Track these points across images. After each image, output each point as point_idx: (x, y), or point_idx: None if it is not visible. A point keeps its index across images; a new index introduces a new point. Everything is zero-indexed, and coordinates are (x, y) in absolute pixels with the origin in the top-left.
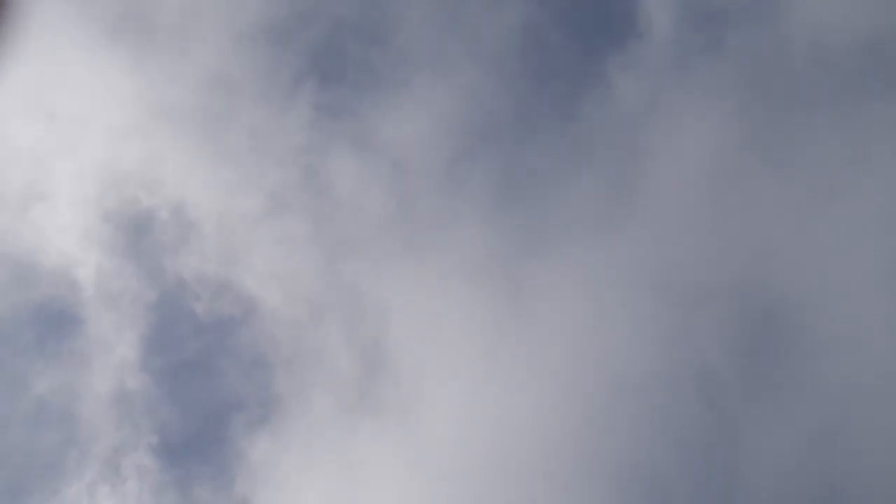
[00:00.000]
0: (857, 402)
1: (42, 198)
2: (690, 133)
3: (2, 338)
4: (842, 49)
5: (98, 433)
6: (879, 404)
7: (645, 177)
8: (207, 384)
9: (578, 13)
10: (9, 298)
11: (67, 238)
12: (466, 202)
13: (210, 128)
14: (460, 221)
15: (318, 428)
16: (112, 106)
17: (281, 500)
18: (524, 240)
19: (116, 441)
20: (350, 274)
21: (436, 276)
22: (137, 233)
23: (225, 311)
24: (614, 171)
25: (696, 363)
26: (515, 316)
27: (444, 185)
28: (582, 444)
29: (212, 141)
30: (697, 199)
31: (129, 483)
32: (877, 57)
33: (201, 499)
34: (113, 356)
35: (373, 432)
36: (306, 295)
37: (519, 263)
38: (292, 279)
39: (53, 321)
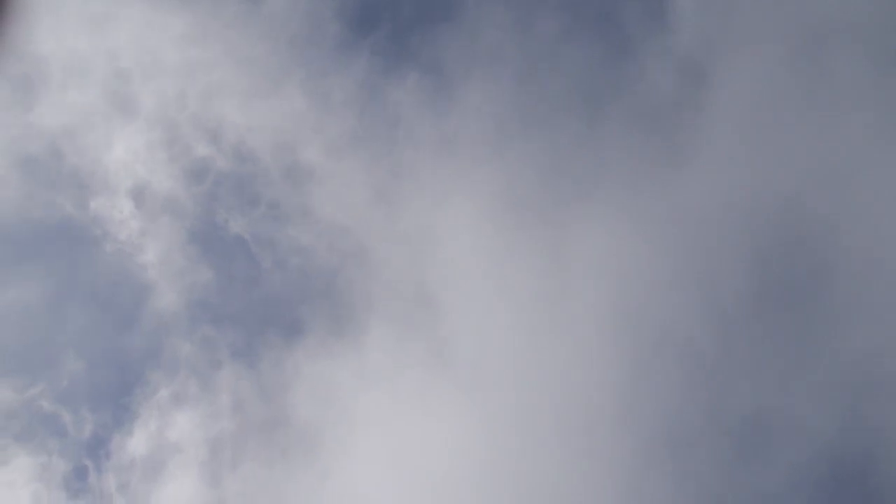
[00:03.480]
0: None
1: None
2: (743, 77)
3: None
4: None
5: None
6: None
7: (698, 120)
8: (268, 311)
9: None
10: None
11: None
12: (516, 141)
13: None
14: (508, 161)
15: (372, 356)
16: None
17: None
18: (572, 180)
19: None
20: (403, 216)
21: (484, 214)
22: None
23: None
24: (668, 113)
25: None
26: (560, 256)
27: (495, 122)
28: (620, 392)
29: (274, 87)
30: (750, 141)
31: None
32: None
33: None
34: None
35: (419, 365)
36: (364, 237)
37: (566, 202)
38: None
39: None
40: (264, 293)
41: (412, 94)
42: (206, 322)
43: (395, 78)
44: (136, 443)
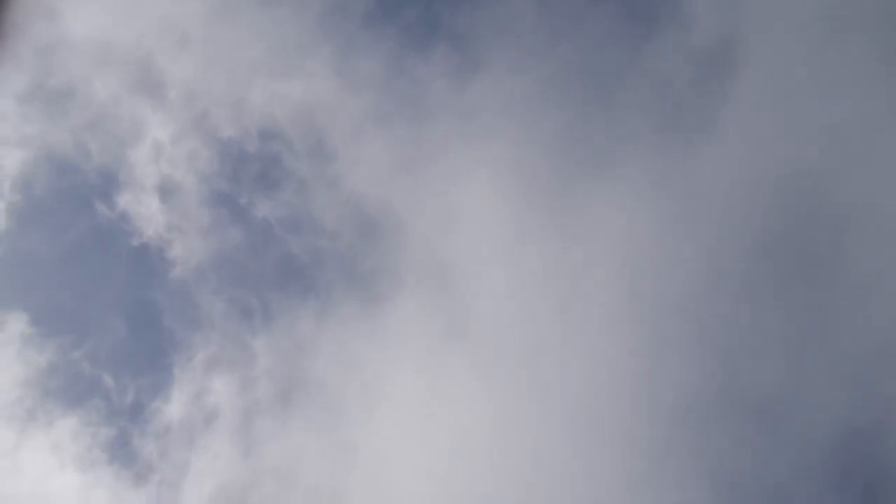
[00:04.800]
0: None
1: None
2: (764, 55)
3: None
4: None
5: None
6: None
7: (717, 98)
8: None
9: None
10: None
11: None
12: (536, 117)
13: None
14: (528, 136)
15: (393, 328)
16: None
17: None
18: (591, 156)
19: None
20: (426, 191)
21: (503, 189)
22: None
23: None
24: (687, 90)
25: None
26: (578, 231)
27: (516, 98)
28: (634, 369)
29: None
30: (768, 120)
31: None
32: None
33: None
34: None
35: (438, 338)
36: (387, 211)
37: (585, 178)
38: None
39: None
40: (290, 269)
41: (436, 70)
42: (233, 295)
43: (419, 54)
44: (173, 408)
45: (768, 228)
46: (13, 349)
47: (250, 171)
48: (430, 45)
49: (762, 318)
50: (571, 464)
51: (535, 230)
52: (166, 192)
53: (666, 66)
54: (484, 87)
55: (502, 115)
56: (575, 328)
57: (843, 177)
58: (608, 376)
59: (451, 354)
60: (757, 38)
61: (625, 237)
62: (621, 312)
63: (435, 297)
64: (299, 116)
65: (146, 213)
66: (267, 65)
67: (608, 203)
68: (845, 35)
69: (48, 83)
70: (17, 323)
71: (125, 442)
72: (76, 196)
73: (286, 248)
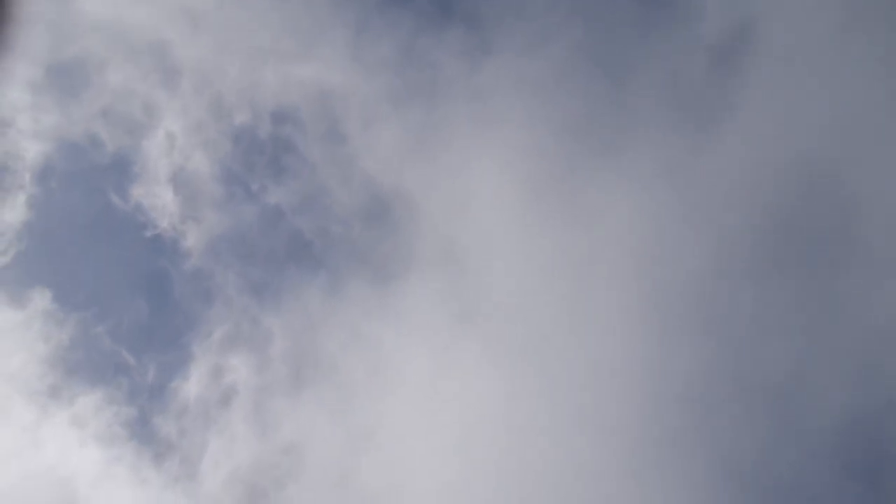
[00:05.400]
0: None
1: None
2: (779, 40)
3: None
4: None
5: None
6: None
7: (729, 82)
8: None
9: None
10: None
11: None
12: (549, 99)
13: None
14: (541, 119)
15: (404, 308)
16: None
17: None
18: (603, 138)
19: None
20: (439, 174)
21: (515, 172)
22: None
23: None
24: (699, 74)
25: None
26: (589, 214)
27: (529, 80)
28: (643, 351)
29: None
30: (781, 104)
31: None
32: None
33: None
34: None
35: (448, 319)
36: (400, 194)
37: (596, 161)
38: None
39: None
40: (303, 252)
41: (449, 53)
42: (247, 278)
43: (432, 37)
44: (191, 385)
45: (777, 216)
46: (36, 326)
47: (264, 154)
48: (443, 28)
49: (771, 305)
50: (579, 448)
51: (545, 214)
52: (180, 181)
53: (678, 54)
54: (497, 71)
55: (515, 99)
56: (584, 312)
57: (853, 165)
58: (617, 361)
59: (461, 337)
60: (769, 27)
61: (635, 223)
62: (631, 298)
63: (446, 280)
64: (313, 100)
65: (160, 203)
66: (280, 48)
67: (619, 188)
68: (857, 24)
69: (61, 71)
70: (41, 300)
71: (145, 419)
72: (94, 181)
73: (299, 232)
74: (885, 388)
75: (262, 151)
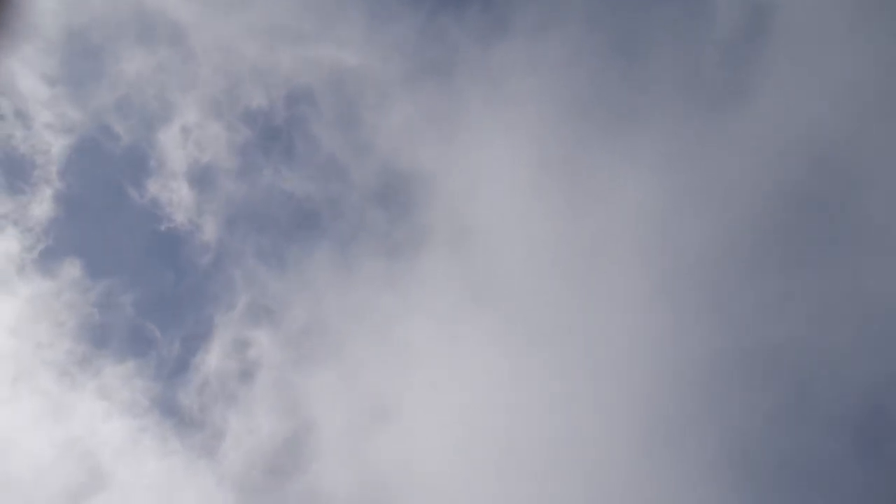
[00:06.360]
0: None
1: None
2: (798, 20)
3: None
4: None
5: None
6: None
7: (740, 62)
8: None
9: None
10: None
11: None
12: (564, 78)
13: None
14: (556, 99)
15: (417, 286)
16: None
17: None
18: (616, 117)
19: None
20: (453, 155)
21: (529, 152)
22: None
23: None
24: (711, 55)
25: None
26: (600, 194)
27: (544, 60)
28: (651, 326)
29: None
30: (794, 82)
31: None
32: None
33: None
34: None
35: (459, 297)
36: (415, 173)
37: (608, 141)
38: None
39: None
40: (318, 232)
41: (464, 34)
42: (264, 258)
43: (447, 18)
44: (213, 358)
45: (788, 199)
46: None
47: (280, 135)
48: (457, 9)
49: (781, 287)
50: (589, 427)
51: (558, 195)
52: (197, 167)
53: (692, 36)
54: (510, 52)
55: (528, 80)
56: (595, 292)
57: (871, 141)
58: (626, 342)
59: (472, 316)
60: (783, 11)
61: (647, 205)
62: (641, 280)
63: (458, 259)
64: (328, 81)
65: (176, 198)
66: (295, 30)
67: (632, 170)
68: (872, 9)
69: (78, 62)
70: (71, 268)
71: (170, 390)
72: (114, 168)
73: (314, 213)
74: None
75: (279, 132)
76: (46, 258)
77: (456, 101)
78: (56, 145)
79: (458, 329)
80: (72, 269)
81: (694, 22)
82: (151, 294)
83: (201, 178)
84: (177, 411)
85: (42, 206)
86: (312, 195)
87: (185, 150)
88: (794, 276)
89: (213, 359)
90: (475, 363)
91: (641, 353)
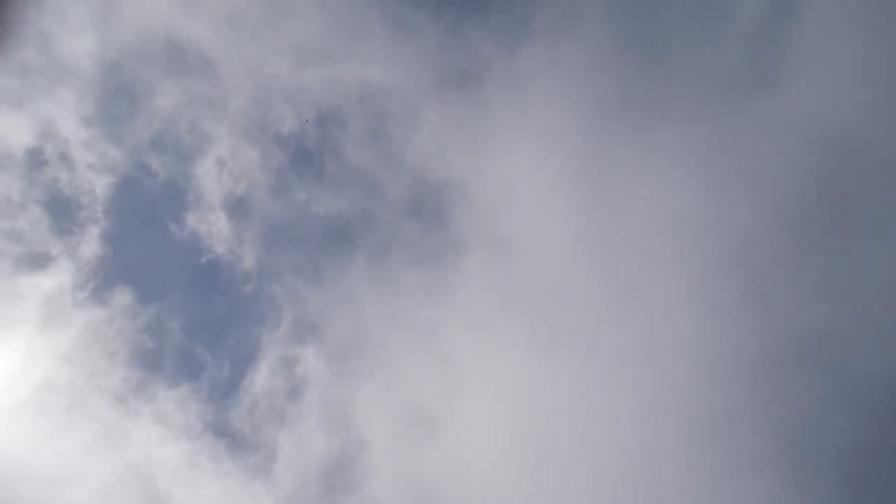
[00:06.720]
0: None
1: None
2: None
3: None
4: None
5: None
6: None
7: (776, 44)
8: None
9: None
10: None
11: None
12: (590, 80)
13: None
14: (585, 101)
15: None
16: None
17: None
18: (642, 119)
19: None
20: (485, 163)
21: (558, 156)
22: None
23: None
24: (737, 48)
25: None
26: (628, 195)
27: (568, 62)
28: (693, 324)
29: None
30: (832, 64)
31: None
32: None
33: None
34: None
35: (497, 300)
36: (448, 183)
37: (635, 142)
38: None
39: None
40: (357, 245)
41: (486, 39)
42: (303, 277)
43: (469, 27)
44: (262, 378)
45: (828, 179)
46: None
47: (312, 157)
48: (479, 17)
49: (827, 269)
50: (634, 429)
51: (589, 194)
52: (231, 207)
53: (717, 22)
54: (534, 54)
55: (553, 81)
56: (632, 290)
57: (892, 137)
58: (666, 337)
59: (513, 321)
60: (809, 2)
61: (680, 196)
62: (676, 274)
63: (495, 264)
64: (356, 99)
65: (215, 230)
66: (321, 50)
67: (663, 163)
68: None
69: (113, 101)
70: (122, 295)
71: (222, 412)
72: (155, 201)
73: (351, 229)
74: None
75: (311, 152)
76: (97, 292)
77: (482, 109)
78: (99, 185)
79: (497, 334)
80: (122, 297)
81: (716, 13)
82: (198, 319)
83: (238, 208)
84: (229, 433)
85: (90, 245)
86: (346, 212)
87: (221, 182)
88: (835, 262)
89: (262, 378)
90: (515, 368)
91: (681, 349)
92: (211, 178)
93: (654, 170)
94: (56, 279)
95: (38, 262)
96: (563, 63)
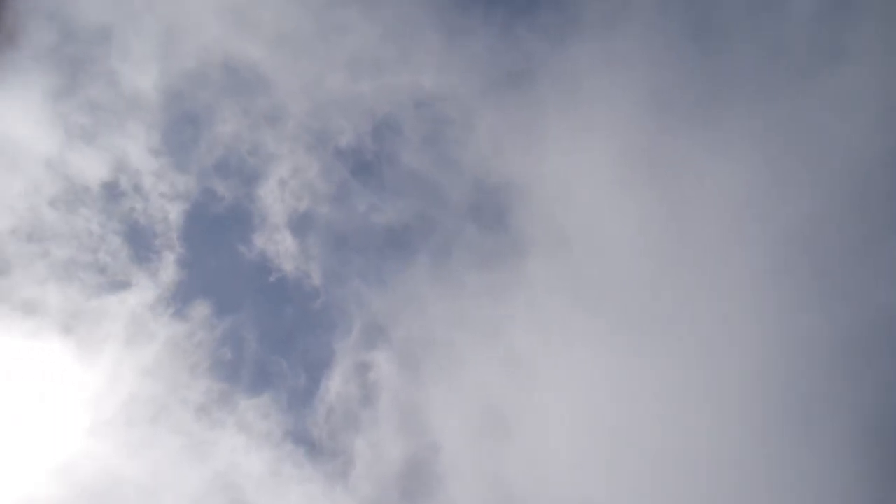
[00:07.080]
0: None
1: None
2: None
3: None
4: None
5: None
6: None
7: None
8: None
9: None
10: None
11: None
12: (642, 77)
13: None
14: (638, 97)
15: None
16: None
17: None
18: (698, 112)
19: None
20: (542, 163)
21: (616, 153)
22: None
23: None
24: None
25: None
26: (686, 191)
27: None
28: (766, 318)
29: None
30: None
31: None
32: None
33: None
34: None
35: (563, 301)
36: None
37: (693, 136)
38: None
39: None
40: (420, 253)
41: (538, 38)
42: (369, 284)
43: (521, 24)
44: (336, 384)
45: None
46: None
47: (372, 168)
48: (529, 15)
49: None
50: (711, 425)
51: (651, 187)
52: (296, 225)
53: (773, 14)
54: (586, 49)
55: (608, 75)
56: (701, 281)
57: None
58: (740, 329)
59: (578, 318)
60: None
61: (745, 183)
62: (749, 260)
63: (558, 263)
64: (410, 106)
65: (283, 249)
66: (374, 60)
67: (725, 150)
68: None
69: (177, 130)
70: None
71: (300, 419)
72: (223, 230)
73: (414, 235)
74: None
75: (370, 164)
76: (176, 307)
77: (537, 108)
78: (172, 212)
79: (564, 332)
80: (201, 309)
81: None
82: (272, 330)
83: (302, 224)
84: (308, 440)
85: (167, 271)
86: (408, 220)
87: (284, 202)
88: None
89: (336, 384)
90: (585, 365)
91: (756, 340)
92: (274, 197)
93: (714, 158)
94: (138, 298)
95: (121, 286)
96: (617, 56)
